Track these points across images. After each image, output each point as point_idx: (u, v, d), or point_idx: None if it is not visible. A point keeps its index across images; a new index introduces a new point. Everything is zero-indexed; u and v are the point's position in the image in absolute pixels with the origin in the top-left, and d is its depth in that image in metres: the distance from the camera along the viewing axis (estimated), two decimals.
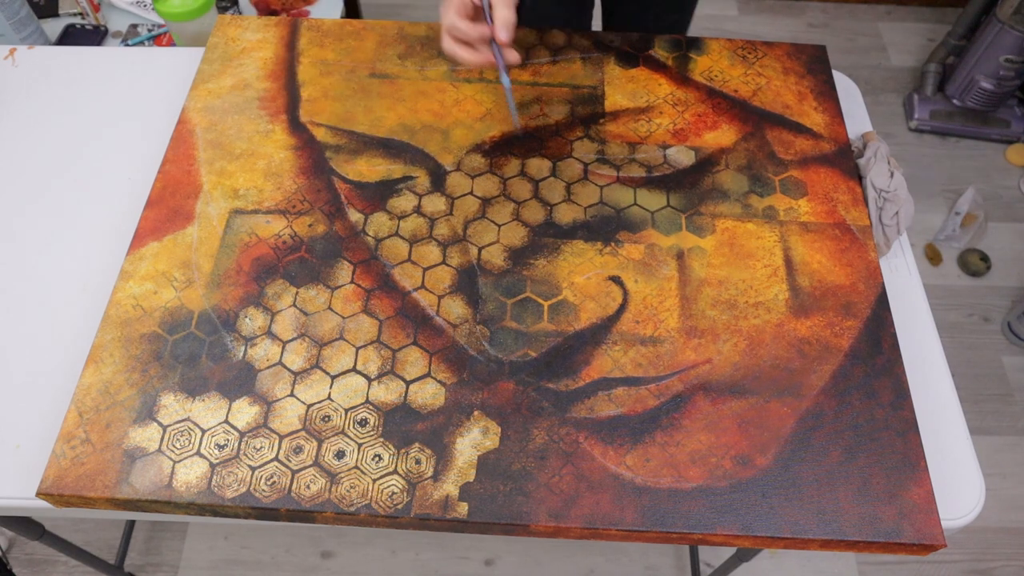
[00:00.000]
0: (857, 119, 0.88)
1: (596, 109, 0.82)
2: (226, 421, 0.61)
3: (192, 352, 0.65)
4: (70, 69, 0.89)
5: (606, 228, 0.73)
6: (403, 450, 0.60)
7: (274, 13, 1.22)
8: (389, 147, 0.78)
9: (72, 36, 1.22)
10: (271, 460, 0.60)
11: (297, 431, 0.61)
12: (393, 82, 0.84)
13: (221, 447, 0.60)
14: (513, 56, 0.70)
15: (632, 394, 0.63)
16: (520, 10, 0.69)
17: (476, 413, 0.62)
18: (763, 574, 1.29)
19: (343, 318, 0.67)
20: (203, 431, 0.61)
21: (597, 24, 1.23)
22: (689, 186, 0.76)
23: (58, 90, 0.87)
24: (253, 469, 0.59)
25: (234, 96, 0.82)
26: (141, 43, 1.21)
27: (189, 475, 0.59)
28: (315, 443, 0.60)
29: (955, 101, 1.85)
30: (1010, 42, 1.66)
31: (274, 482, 0.59)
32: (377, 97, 0.82)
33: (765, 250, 0.72)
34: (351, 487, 0.59)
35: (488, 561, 1.29)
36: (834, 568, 1.30)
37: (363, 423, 0.62)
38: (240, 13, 1.23)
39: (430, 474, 0.59)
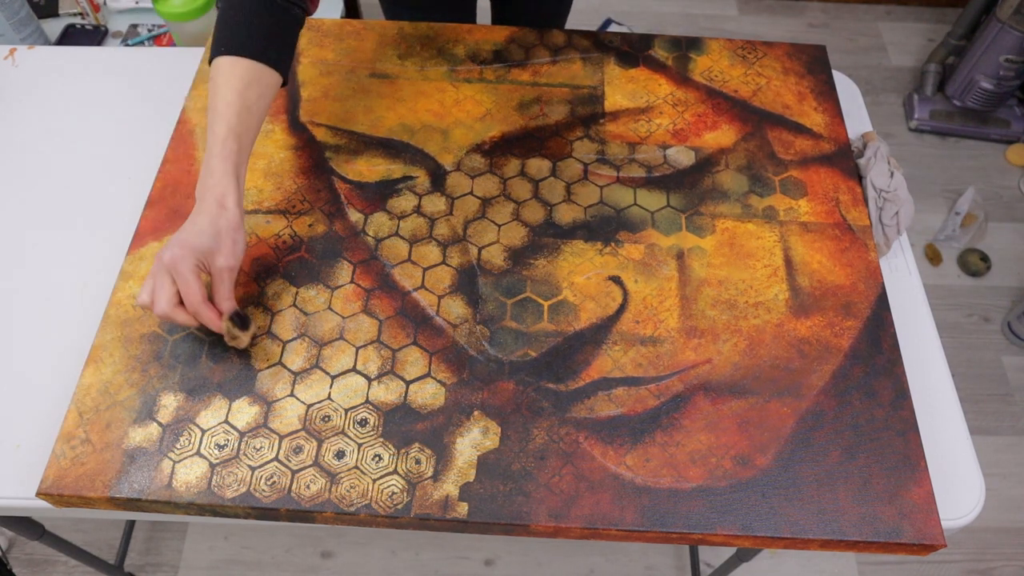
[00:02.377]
0: (857, 119, 0.88)
1: (596, 109, 0.82)
2: (226, 421, 0.61)
3: (192, 352, 0.65)
4: (70, 69, 0.89)
5: (606, 228, 0.73)
6: (403, 450, 0.60)
7: None
8: (389, 147, 0.78)
9: (72, 36, 1.22)
10: (271, 460, 0.60)
11: (297, 431, 0.61)
12: (393, 82, 0.84)
13: (221, 447, 0.60)
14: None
15: (632, 394, 0.63)
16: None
17: (476, 413, 0.62)
18: (763, 574, 1.29)
19: (343, 318, 0.67)
20: (203, 431, 0.61)
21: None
22: (689, 186, 0.76)
23: (58, 90, 0.87)
24: (253, 469, 0.59)
25: None
26: (141, 43, 1.21)
27: (189, 475, 0.59)
28: (315, 443, 0.60)
29: (955, 101, 1.84)
30: (1010, 42, 1.66)
31: (274, 482, 0.59)
32: (377, 97, 0.82)
33: (765, 250, 0.72)
34: (351, 487, 0.59)
35: (488, 561, 1.29)
36: (834, 568, 1.30)
37: (363, 423, 0.62)
38: None
39: (430, 474, 0.59)
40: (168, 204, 0.73)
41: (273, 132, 0.79)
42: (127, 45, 1.21)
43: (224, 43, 0.63)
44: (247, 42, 0.63)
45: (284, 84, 0.67)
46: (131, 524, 1.19)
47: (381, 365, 0.64)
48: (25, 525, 0.85)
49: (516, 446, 0.61)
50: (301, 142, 0.78)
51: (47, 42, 1.20)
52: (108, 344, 0.65)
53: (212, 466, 0.59)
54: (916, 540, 0.57)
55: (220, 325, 0.61)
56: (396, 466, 0.60)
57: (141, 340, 0.65)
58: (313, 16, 0.79)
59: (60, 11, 1.26)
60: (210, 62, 0.64)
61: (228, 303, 0.61)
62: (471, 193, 0.75)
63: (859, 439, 0.62)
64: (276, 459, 0.60)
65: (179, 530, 1.31)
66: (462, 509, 0.58)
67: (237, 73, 0.63)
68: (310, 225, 0.72)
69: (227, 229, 0.60)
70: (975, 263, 1.65)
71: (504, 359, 0.65)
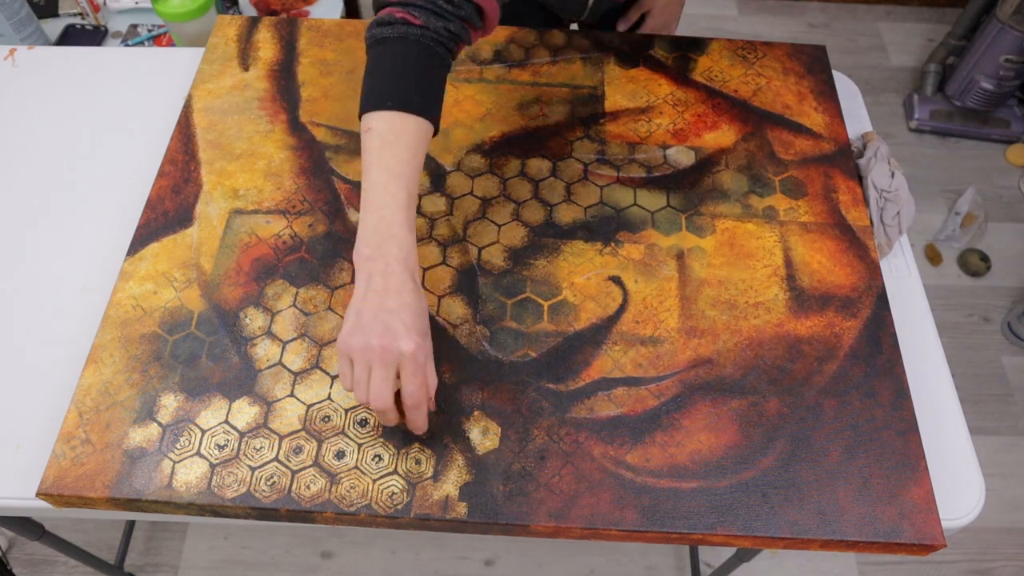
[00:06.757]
0: (857, 119, 0.88)
1: (596, 109, 0.82)
2: (226, 421, 0.61)
3: (192, 352, 0.65)
4: (70, 69, 0.89)
5: (606, 228, 0.73)
6: (403, 450, 0.60)
7: (274, 13, 1.22)
8: None
9: (72, 36, 1.22)
10: (271, 460, 0.60)
11: (297, 431, 0.61)
12: None
13: (221, 447, 0.60)
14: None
15: (632, 394, 0.63)
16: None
17: (476, 413, 0.62)
18: (763, 574, 1.29)
19: (343, 318, 0.67)
20: (203, 431, 0.61)
21: None
22: (689, 186, 0.76)
23: (58, 90, 0.87)
24: (253, 469, 0.59)
25: (234, 96, 0.82)
26: (141, 43, 1.21)
27: (189, 475, 0.59)
28: (315, 443, 0.60)
29: (955, 101, 1.84)
30: (1010, 42, 1.66)
31: (274, 482, 0.59)
32: None
33: (765, 250, 0.72)
34: (351, 487, 0.59)
35: (488, 561, 1.29)
36: (834, 568, 1.30)
37: (363, 423, 0.62)
38: (240, 13, 1.23)
39: (430, 474, 0.59)
40: (168, 205, 0.73)
41: (273, 132, 0.79)
42: (127, 45, 1.21)
43: (389, 95, 0.58)
44: (413, 97, 0.59)
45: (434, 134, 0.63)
46: (131, 524, 1.19)
47: None
48: (25, 525, 0.85)
49: (516, 446, 0.61)
50: (301, 142, 0.78)
51: (47, 42, 1.20)
52: (108, 344, 0.65)
53: (212, 466, 0.59)
54: (916, 540, 0.57)
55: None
56: (396, 466, 0.60)
57: (141, 340, 0.65)
58: (313, 16, 0.78)
59: (60, 11, 1.26)
60: (366, 112, 0.59)
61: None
62: (471, 193, 0.75)
63: (859, 439, 0.62)
64: (276, 459, 0.60)
65: (179, 530, 1.31)
66: (462, 509, 0.58)
67: (409, 130, 0.58)
68: (310, 225, 0.72)
69: (426, 310, 0.56)
70: (975, 263, 1.65)
71: (504, 359, 0.65)
